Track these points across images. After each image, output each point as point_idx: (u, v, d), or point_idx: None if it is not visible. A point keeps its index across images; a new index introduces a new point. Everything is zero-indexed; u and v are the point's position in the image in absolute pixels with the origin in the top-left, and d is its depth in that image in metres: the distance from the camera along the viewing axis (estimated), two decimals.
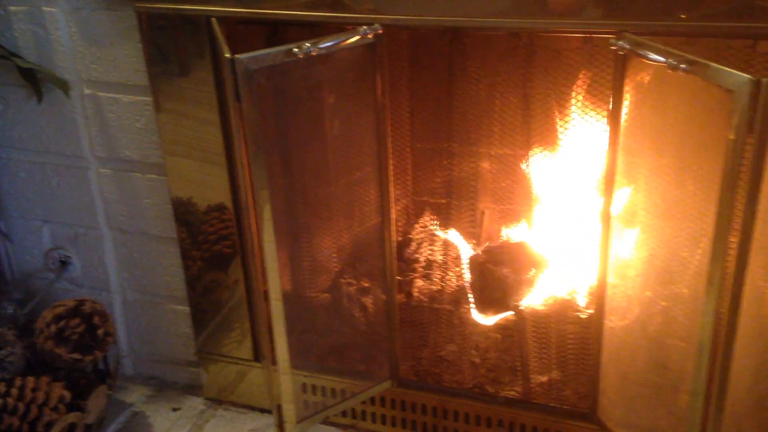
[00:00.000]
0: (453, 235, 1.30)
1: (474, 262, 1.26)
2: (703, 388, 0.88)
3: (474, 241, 1.29)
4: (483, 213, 1.30)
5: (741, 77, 0.75)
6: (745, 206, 0.79)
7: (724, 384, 0.87)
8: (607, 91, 0.98)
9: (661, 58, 0.82)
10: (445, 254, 1.30)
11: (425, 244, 1.34)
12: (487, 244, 1.29)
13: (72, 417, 1.18)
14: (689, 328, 0.91)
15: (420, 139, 1.29)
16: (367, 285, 1.22)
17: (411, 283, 1.30)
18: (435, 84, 1.19)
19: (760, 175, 0.78)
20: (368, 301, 1.22)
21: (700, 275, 0.86)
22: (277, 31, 1.13)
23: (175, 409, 1.37)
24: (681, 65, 0.80)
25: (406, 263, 1.33)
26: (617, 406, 1.08)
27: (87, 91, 1.24)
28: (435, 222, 1.31)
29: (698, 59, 0.79)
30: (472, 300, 1.26)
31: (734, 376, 0.88)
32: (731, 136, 0.77)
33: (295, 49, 0.94)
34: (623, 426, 1.07)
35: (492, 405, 1.19)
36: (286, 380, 1.10)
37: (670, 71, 0.81)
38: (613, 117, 0.94)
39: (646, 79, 0.90)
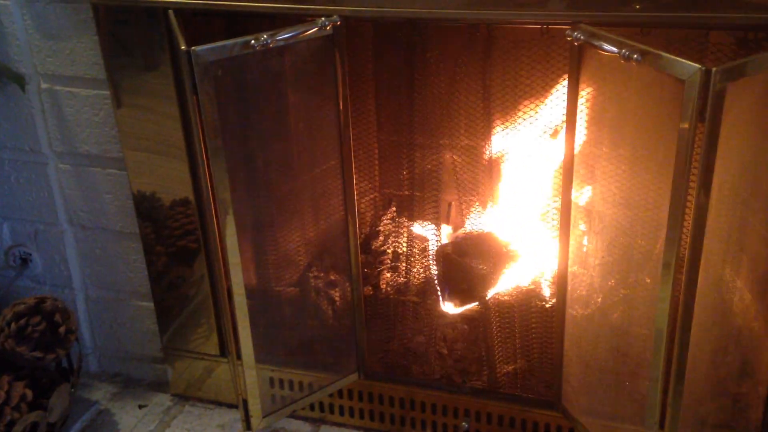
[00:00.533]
0: (420, 227, 1.30)
1: (440, 254, 1.27)
2: (661, 373, 0.90)
3: (440, 233, 1.29)
4: (449, 204, 1.31)
5: (692, 67, 0.76)
6: (697, 193, 0.81)
7: (681, 369, 0.89)
8: (565, 81, 0.99)
9: (615, 49, 0.83)
10: (412, 246, 1.30)
11: (392, 236, 1.34)
12: (453, 234, 1.29)
13: (34, 416, 1.16)
14: (648, 315, 0.92)
15: (386, 131, 1.28)
16: (333, 278, 1.22)
17: (378, 275, 1.30)
18: (398, 76, 1.19)
19: (713, 163, 0.80)
20: (335, 294, 1.22)
21: (659, 263, 0.87)
22: (238, 24, 1.12)
23: (141, 406, 1.35)
24: (634, 56, 0.80)
25: (374, 256, 1.33)
26: (581, 393, 1.09)
27: (44, 86, 1.22)
28: (402, 214, 1.31)
29: (651, 49, 0.80)
30: (439, 291, 1.26)
31: (692, 362, 0.90)
32: (683, 125, 0.78)
33: (253, 41, 0.93)
34: (587, 413, 1.08)
35: (459, 395, 1.19)
36: (251, 375, 1.10)
37: (623, 62, 0.81)
38: (571, 108, 0.95)
39: (602, 69, 0.90)
